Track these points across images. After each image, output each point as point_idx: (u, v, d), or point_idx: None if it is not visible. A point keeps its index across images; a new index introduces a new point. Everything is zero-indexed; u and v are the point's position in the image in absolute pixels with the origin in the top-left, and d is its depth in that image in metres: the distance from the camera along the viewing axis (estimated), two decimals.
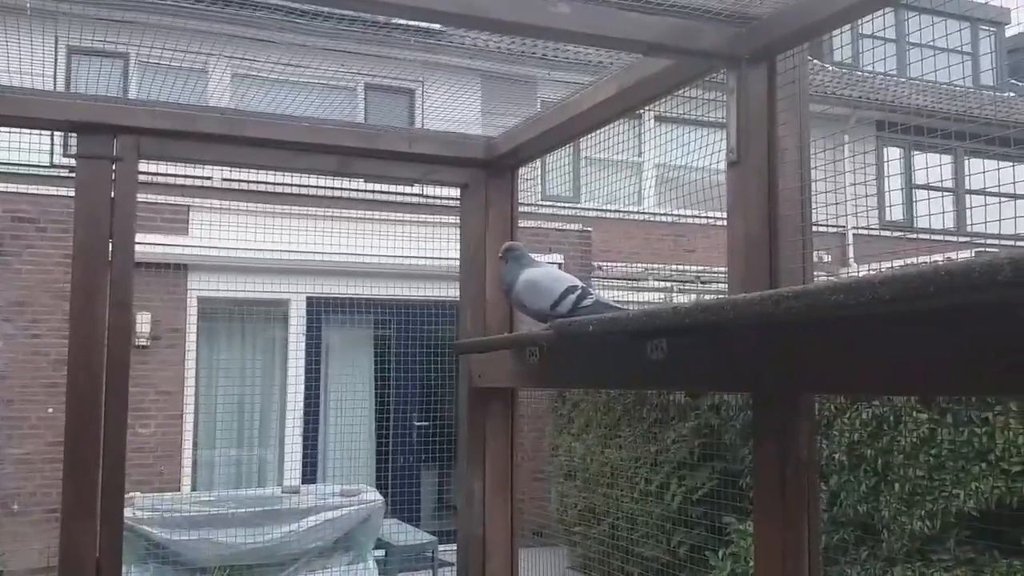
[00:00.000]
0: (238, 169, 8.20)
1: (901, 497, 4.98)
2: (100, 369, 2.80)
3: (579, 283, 2.51)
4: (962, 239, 10.65)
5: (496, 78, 10.71)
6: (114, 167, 2.91)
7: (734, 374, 2.02)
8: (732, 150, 2.28)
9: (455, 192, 3.61)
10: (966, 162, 12.04)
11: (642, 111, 3.54)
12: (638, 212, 11.65)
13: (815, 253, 2.66)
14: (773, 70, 2.24)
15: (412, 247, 8.91)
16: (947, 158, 12.42)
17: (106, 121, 2.91)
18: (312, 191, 9.07)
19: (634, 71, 2.62)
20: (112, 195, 2.90)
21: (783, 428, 2.16)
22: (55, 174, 9.00)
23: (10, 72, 3.22)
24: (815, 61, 13.01)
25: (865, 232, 12.42)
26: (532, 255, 2.74)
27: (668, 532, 6.82)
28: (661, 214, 11.25)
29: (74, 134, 2.97)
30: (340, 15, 3.72)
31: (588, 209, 11.30)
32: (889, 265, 5.74)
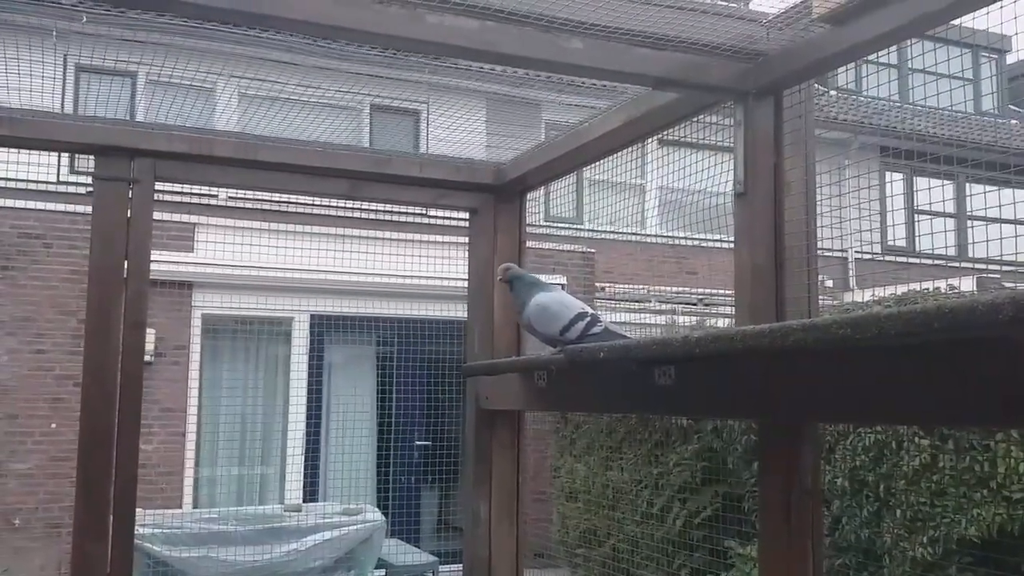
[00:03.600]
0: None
1: (903, 523, 4.99)
2: (114, 389, 2.84)
3: (589, 310, 2.56)
4: (964, 265, 10.69)
5: (502, 100, 10.80)
6: (131, 189, 2.96)
7: (740, 401, 2.06)
8: (739, 182, 2.33)
9: (461, 212, 3.66)
10: (967, 187, 12.12)
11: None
12: (649, 235, 11.70)
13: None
14: (780, 104, 2.29)
15: (415, 266, 8.96)
16: (949, 183, 12.49)
17: (124, 144, 2.96)
18: (317, 210, 9.13)
19: (642, 102, 2.68)
20: (128, 216, 2.95)
21: (788, 455, 2.20)
22: (62, 190, 9.07)
23: (31, 91, 3.27)
24: (817, 86, 13.09)
25: (869, 257, 12.47)
26: (538, 276, 2.80)
27: (670, 555, 6.82)
28: (664, 236, 11.32)
29: (90, 156, 3.02)
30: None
31: (594, 231, 11.36)
32: (893, 291, 5.79)
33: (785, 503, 2.20)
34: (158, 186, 3.06)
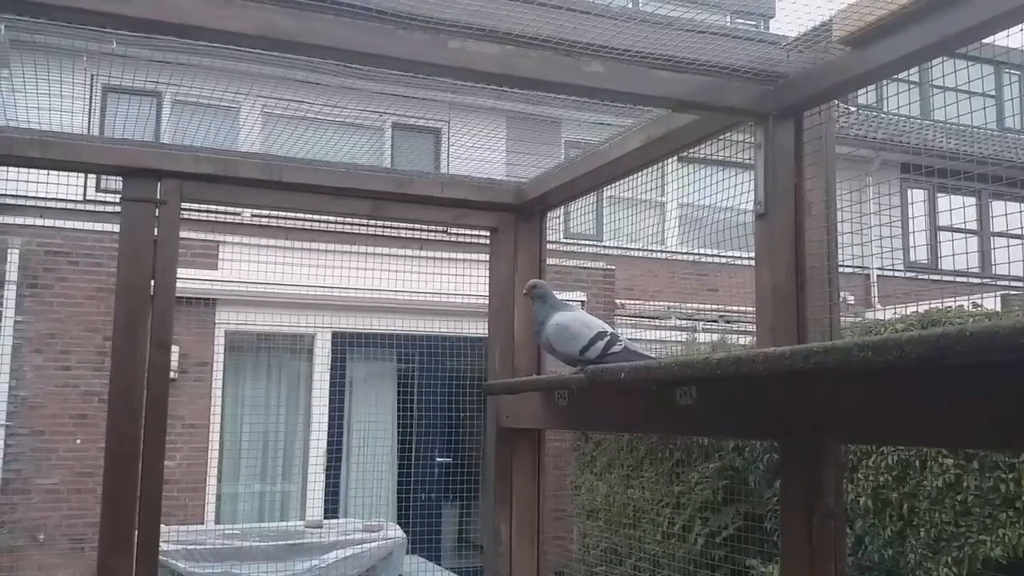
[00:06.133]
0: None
1: (927, 543, 4.94)
2: (140, 407, 2.88)
3: (608, 329, 2.57)
4: (987, 282, 10.60)
5: (522, 118, 10.86)
6: (158, 210, 3.00)
7: (762, 422, 2.06)
8: (760, 203, 2.34)
9: (482, 231, 3.68)
10: (990, 204, 12.03)
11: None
12: (669, 252, 11.70)
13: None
14: (800, 126, 2.30)
15: (436, 284, 8.99)
16: (971, 200, 12.41)
17: (151, 166, 3.01)
18: (339, 228, 9.19)
19: (662, 123, 2.69)
20: (155, 237, 2.99)
21: (810, 475, 2.19)
22: (88, 209, 9.19)
23: (60, 112, 3.33)
24: (839, 104, 13.05)
25: (890, 273, 12.40)
26: (556, 294, 2.81)
27: (691, 574, 6.78)
28: (684, 253, 11.30)
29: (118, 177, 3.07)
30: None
31: (616, 247, 11.37)
32: (915, 309, 5.75)
33: (807, 523, 2.19)
34: (183, 204, 3.11)
